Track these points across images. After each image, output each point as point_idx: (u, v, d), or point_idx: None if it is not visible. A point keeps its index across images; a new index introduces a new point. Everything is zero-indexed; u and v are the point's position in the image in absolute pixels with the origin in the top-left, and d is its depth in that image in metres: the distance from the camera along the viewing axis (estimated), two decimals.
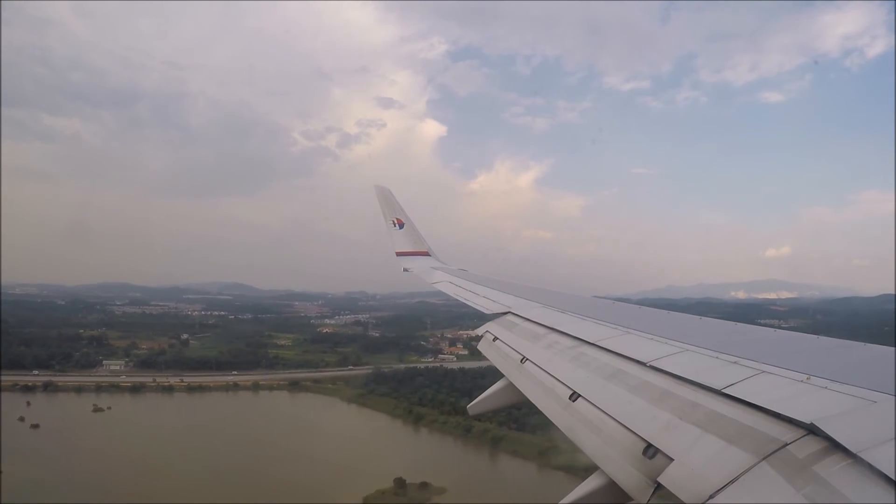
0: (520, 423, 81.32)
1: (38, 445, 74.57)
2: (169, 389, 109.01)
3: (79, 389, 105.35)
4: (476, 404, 5.81)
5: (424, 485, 66.62)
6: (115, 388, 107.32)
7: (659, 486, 2.79)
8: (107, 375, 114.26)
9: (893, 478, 1.96)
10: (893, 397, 2.61)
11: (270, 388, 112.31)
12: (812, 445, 2.40)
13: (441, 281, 11.43)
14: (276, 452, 74.41)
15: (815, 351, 4.12)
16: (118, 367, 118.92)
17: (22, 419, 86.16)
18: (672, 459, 2.81)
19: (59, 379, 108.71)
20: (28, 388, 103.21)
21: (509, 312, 7.16)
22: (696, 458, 2.73)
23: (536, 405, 4.45)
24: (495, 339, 6.38)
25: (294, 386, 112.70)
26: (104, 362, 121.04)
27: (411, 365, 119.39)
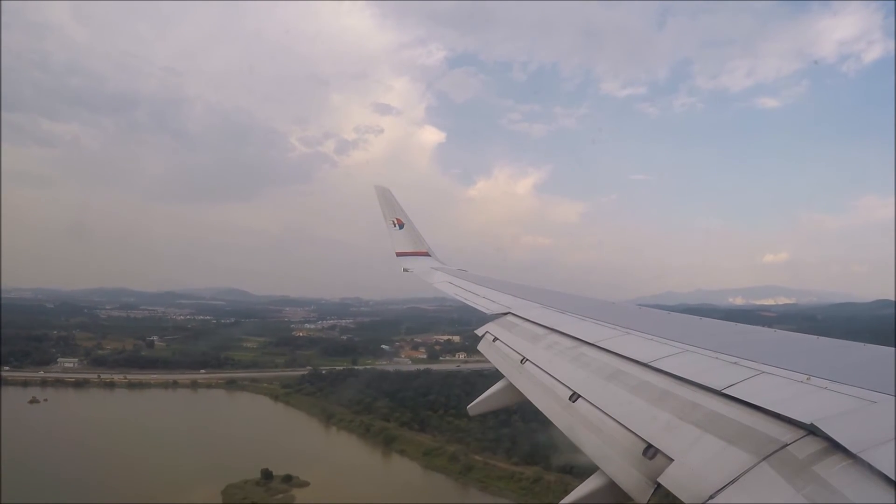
0: (423, 424, 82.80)
1: None
2: (111, 385, 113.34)
3: (26, 384, 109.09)
4: (476, 405, 5.79)
5: (289, 478, 68.68)
6: (61, 383, 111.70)
7: (659, 487, 2.79)
8: (59, 372, 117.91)
9: (893, 478, 1.96)
10: (893, 397, 2.61)
11: (209, 386, 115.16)
12: (812, 446, 2.39)
13: (441, 281, 11.42)
14: (163, 443, 77.70)
15: (815, 351, 4.12)
16: (71, 365, 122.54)
17: None
18: (672, 460, 2.81)
19: (11, 374, 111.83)
20: None
21: (509, 313, 7.15)
22: (696, 458, 2.73)
23: (536, 405, 4.45)
24: (495, 339, 6.38)
25: (232, 384, 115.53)
26: (59, 359, 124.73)
27: (361, 367, 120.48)
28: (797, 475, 2.27)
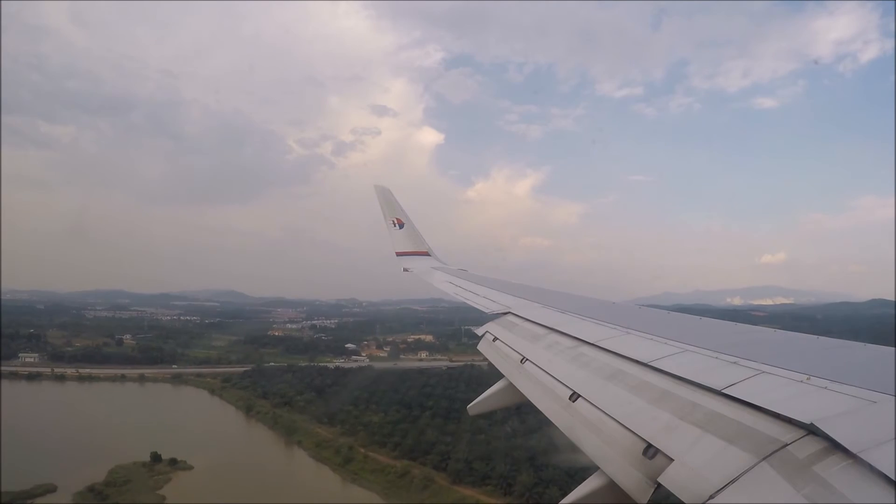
0: (332, 417, 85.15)
1: None
2: (61, 378, 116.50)
3: None
4: (476, 405, 5.79)
5: (174, 461, 72.15)
6: (15, 375, 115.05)
7: (659, 487, 2.79)
8: (18, 366, 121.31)
9: (893, 478, 1.96)
10: (893, 397, 2.61)
11: (156, 380, 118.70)
12: (812, 446, 2.39)
13: (441, 281, 11.41)
14: (75, 429, 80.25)
15: (815, 351, 4.11)
16: (32, 360, 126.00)
17: None
18: (672, 460, 2.81)
19: None
20: None
21: (509, 313, 7.14)
22: (696, 458, 2.73)
23: (536, 405, 4.44)
24: (495, 339, 6.37)
25: (177, 379, 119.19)
26: (20, 354, 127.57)
27: (317, 364, 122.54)
28: (797, 475, 2.27)
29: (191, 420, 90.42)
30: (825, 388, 2.92)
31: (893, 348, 3.55)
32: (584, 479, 3.47)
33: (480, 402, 5.75)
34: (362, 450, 74.58)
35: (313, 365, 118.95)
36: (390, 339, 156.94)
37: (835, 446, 2.29)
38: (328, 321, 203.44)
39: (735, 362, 3.60)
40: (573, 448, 3.60)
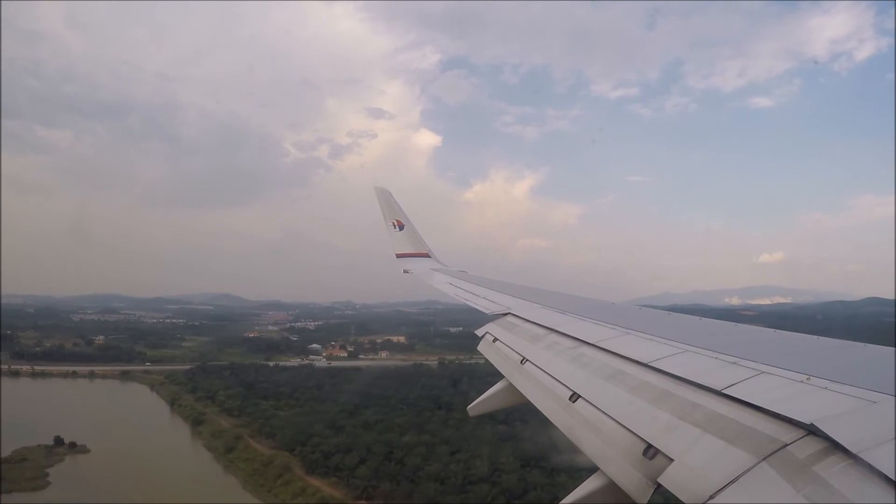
0: (241, 410, 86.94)
1: None
2: (16, 374, 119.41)
3: None
4: (476, 405, 5.79)
5: (73, 444, 76.14)
6: None
7: (659, 487, 2.79)
8: None
9: (893, 478, 1.96)
10: (893, 397, 2.61)
11: (105, 376, 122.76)
12: (812, 446, 2.39)
13: (441, 282, 11.43)
14: None
15: (815, 351, 4.11)
16: None
17: None
18: (672, 460, 2.81)
19: None
20: None
21: (509, 313, 7.15)
22: (696, 458, 2.73)
23: (536, 406, 4.44)
24: (495, 339, 6.37)
25: (125, 375, 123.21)
26: None
27: (265, 364, 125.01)
28: (797, 475, 2.27)
29: (113, 411, 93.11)
30: (825, 388, 2.92)
31: (893, 348, 3.55)
32: (585, 480, 3.48)
33: (480, 403, 5.75)
34: (251, 440, 77.11)
35: (254, 364, 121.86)
36: (361, 339, 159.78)
37: (835, 446, 2.28)
38: (311, 323, 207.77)
39: (735, 362, 3.60)
40: (573, 448, 3.60)
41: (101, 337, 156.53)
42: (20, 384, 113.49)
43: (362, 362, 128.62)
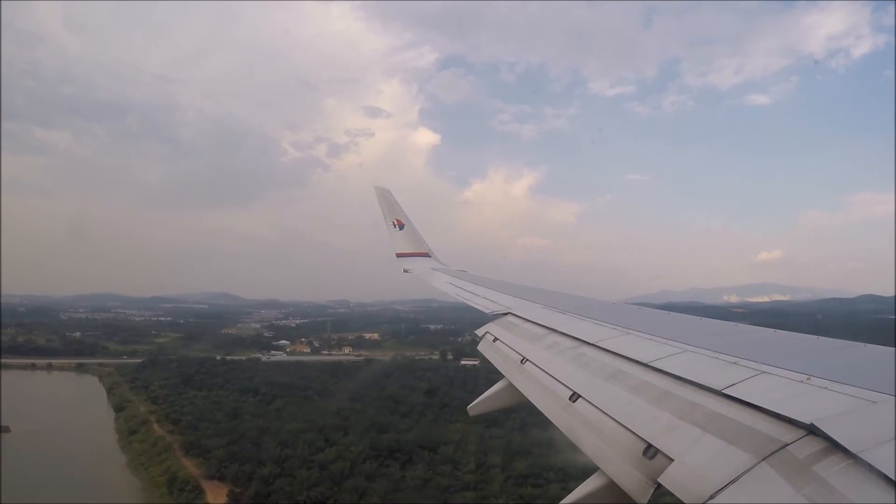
0: (166, 399, 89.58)
1: None
2: None
3: None
4: (476, 405, 5.78)
5: (5, 428, 79.08)
6: None
7: (659, 487, 2.79)
8: None
9: (893, 478, 1.96)
10: (893, 397, 2.61)
11: (62, 369, 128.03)
12: (812, 446, 2.39)
13: (441, 282, 11.42)
14: None
15: (815, 351, 4.11)
16: None
17: None
18: (672, 460, 2.81)
19: None
20: None
21: (509, 313, 7.14)
22: (696, 458, 2.73)
23: (536, 405, 4.44)
24: (495, 339, 6.37)
25: (81, 367, 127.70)
26: None
27: (217, 357, 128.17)
28: (797, 475, 2.27)
29: (51, 398, 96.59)
30: (825, 388, 2.91)
31: (893, 348, 3.54)
32: (585, 480, 3.48)
33: (480, 403, 5.75)
34: (156, 424, 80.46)
35: (207, 358, 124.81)
36: (334, 336, 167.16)
37: (835, 446, 2.28)
38: (295, 321, 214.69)
39: (735, 362, 3.60)
40: (573, 448, 3.60)
41: (78, 333, 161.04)
42: None
43: (324, 357, 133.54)
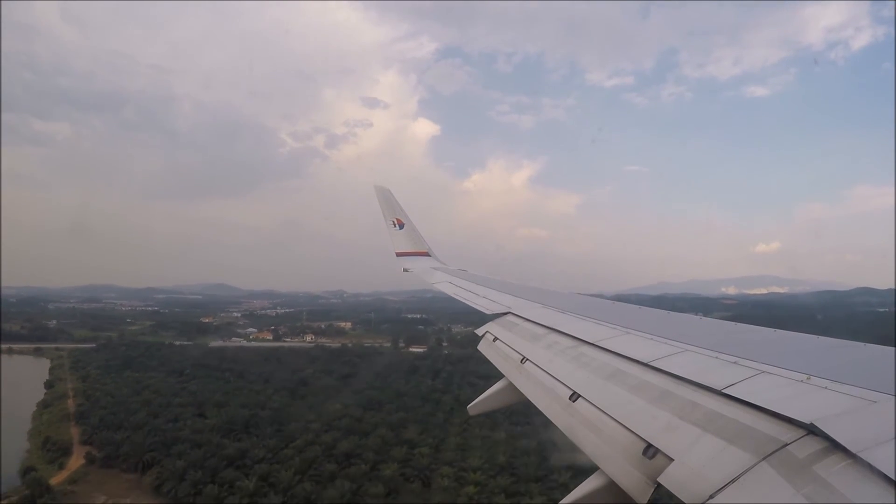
0: (99, 380, 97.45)
1: None
2: None
3: None
4: (476, 405, 5.78)
5: None
6: None
7: (659, 487, 2.79)
8: None
9: (893, 478, 1.96)
10: (893, 397, 2.61)
11: (21, 353, 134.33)
12: (812, 445, 2.39)
13: (441, 281, 11.41)
14: None
15: (815, 351, 4.11)
16: None
17: None
18: (672, 459, 2.81)
19: None
20: None
21: (509, 313, 7.14)
22: (696, 458, 2.73)
23: (536, 405, 4.44)
24: (495, 339, 6.37)
25: (38, 352, 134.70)
26: None
27: (166, 342, 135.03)
28: (797, 475, 2.27)
29: None
30: (825, 387, 2.92)
31: (893, 348, 3.54)
32: (585, 480, 3.48)
33: (480, 402, 5.74)
34: (71, 399, 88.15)
35: (157, 342, 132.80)
36: (307, 324, 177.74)
37: (835, 446, 2.28)
38: (274, 310, 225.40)
39: (735, 362, 3.60)
40: (573, 448, 3.60)
41: (54, 322, 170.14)
42: None
43: (282, 345, 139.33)
